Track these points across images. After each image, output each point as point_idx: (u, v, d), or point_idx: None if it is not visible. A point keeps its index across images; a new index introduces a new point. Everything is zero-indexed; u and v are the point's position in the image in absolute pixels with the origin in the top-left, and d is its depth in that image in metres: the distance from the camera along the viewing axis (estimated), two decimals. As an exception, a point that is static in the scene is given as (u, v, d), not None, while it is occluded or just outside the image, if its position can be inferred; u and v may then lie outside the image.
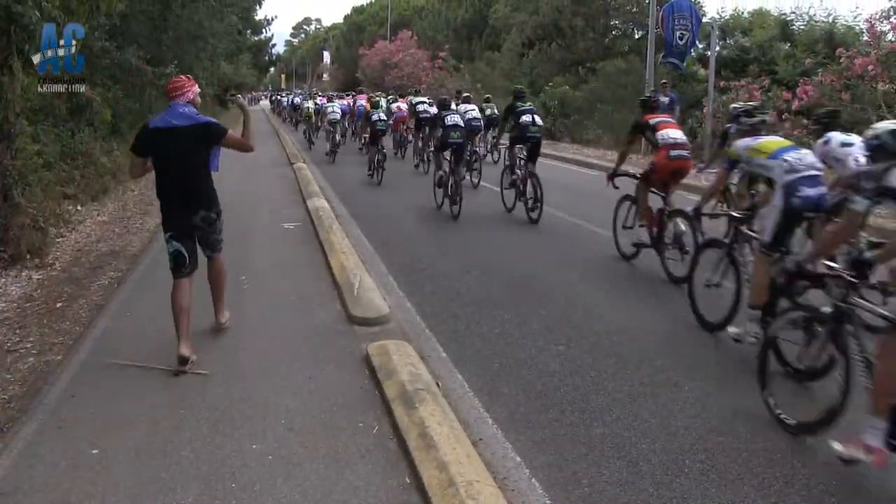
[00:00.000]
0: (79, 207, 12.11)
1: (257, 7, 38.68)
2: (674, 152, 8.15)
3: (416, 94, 19.14)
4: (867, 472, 3.97)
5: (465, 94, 20.57)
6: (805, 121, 15.76)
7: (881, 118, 13.98)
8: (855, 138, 6.95)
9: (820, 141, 7.28)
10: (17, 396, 5.02)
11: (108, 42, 15.79)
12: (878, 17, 16.32)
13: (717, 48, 22.22)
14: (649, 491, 3.82)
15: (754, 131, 6.45)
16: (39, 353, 5.83)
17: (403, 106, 21.74)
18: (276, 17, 70.70)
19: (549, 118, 28.55)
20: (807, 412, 4.40)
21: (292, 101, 42.34)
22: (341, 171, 18.74)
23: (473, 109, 17.41)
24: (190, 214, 5.69)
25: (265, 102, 73.36)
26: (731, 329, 5.91)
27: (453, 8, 56.51)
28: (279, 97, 57.58)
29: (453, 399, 4.93)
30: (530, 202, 11.42)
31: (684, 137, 8.48)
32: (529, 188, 11.49)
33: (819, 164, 5.71)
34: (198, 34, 24.90)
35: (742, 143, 6.12)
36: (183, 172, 5.63)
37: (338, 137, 21.76)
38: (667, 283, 7.90)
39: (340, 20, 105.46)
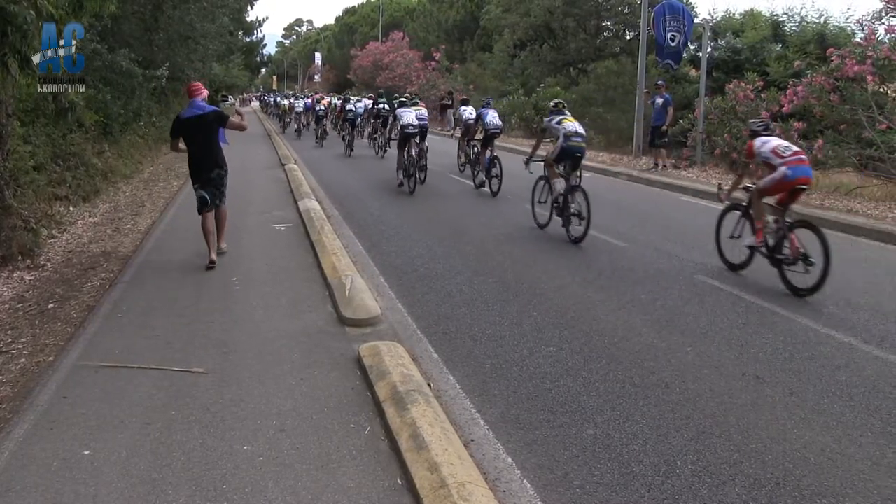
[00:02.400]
0: (70, 208, 12.09)
1: (249, 8, 38.75)
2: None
3: (347, 98, 28.00)
4: (859, 474, 4.00)
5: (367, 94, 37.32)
6: (795, 123, 15.85)
7: (871, 119, 14.06)
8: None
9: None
10: (9, 398, 5.02)
11: (99, 44, 15.77)
12: (869, 18, 16.37)
13: (709, 49, 22.29)
14: (641, 492, 3.84)
15: None
16: (31, 355, 5.83)
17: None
18: (267, 18, 71.16)
19: (539, 119, 28.65)
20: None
21: (275, 100, 60.04)
22: (302, 143, 30.11)
23: (360, 102, 27.72)
24: (209, 171, 8.56)
25: (256, 104, 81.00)
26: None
27: (445, 9, 56.48)
28: (266, 98, 73.92)
29: (445, 400, 4.95)
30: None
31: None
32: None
33: None
34: (189, 35, 24.92)
35: None
36: (205, 143, 8.53)
37: (301, 123, 34.86)
38: (659, 284, 7.91)
39: (332, 21, 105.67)
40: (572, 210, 9.99)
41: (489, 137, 15.35)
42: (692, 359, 5.74)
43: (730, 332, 6.35)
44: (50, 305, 7.18)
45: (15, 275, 8.26)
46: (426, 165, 15.74)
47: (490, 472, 3.99)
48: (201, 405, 4.77)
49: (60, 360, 5.64)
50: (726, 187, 9.08)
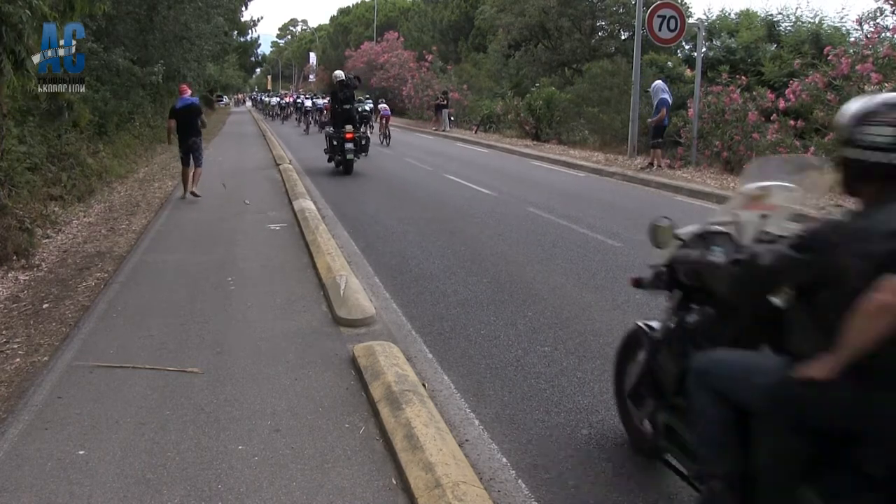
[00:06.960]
0: (65, 208, 12.07)
1: (243, 8, 38.77)
2: None
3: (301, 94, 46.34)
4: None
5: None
6: (792, 122, 15.90)
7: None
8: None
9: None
10: (4, 397, 5.00)
11: (94, 43, 15.78)
12: (864, 17, 16.41)
13: (704, 49, 22.31)
14: (635, 492, 3.85)
15: None
16: (26, 355, 5.82)
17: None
18: (261, 18, 71.91)
19: (532, 119, 28.80)
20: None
21: (261, 98, 78.56)
22: (275, 124, 47.05)
23: (311, 99, 41.40)
24: (189, 139, 13.48)
25: (249, 103, 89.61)
26: None
27: (439, 9, 56.53)
28: (256, 97, 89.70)
29: (439, 400, 4.95)
30: None
31: None
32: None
33: None
34: (184, 35, 24.88)
35: None
36: (190, 123, 13.46)
37: (274, 112, 54.01)
38: (652, 284, 7.92)
39: (326, 21, 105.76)
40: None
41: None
42: (686, 358, 5.75)
43: (724, 332, 6.35)
44: (45, 305, 7.17)
45: (10, 275, 8.25)
46: None
47: (485, 472, 3.99)
48: (196, 405, 4.77)
49: (55, 360, 5.64)
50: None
